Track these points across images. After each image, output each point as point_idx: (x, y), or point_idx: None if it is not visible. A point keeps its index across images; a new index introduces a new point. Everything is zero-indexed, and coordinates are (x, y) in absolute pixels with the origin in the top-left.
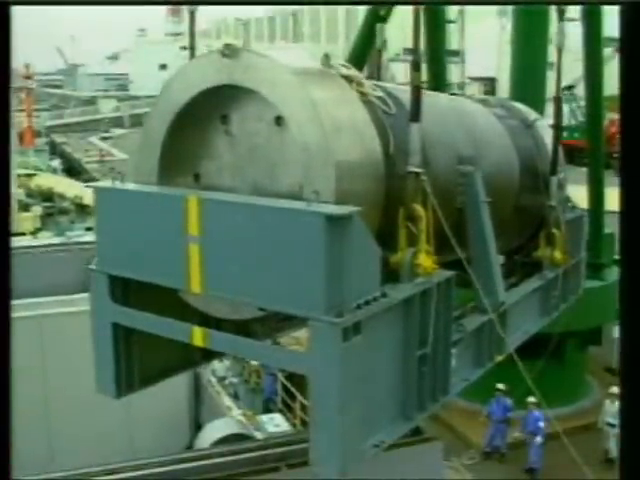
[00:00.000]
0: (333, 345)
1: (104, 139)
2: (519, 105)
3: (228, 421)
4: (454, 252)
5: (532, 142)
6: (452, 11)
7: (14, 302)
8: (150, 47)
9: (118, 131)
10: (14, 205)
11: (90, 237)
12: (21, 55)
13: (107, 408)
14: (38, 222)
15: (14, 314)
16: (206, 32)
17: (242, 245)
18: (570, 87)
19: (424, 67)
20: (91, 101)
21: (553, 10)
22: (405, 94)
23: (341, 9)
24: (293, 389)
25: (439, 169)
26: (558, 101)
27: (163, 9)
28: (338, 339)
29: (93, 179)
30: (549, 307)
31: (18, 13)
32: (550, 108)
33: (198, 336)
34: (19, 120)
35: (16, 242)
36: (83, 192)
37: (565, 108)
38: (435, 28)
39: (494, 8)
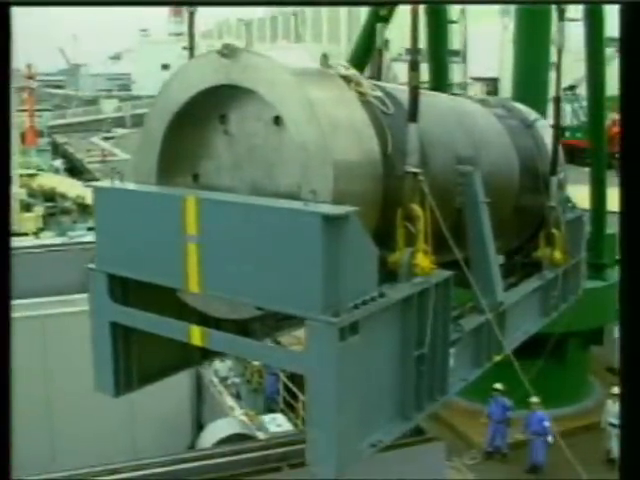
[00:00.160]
0: (330, 345)
1: (106, 139)
2: (519, 105)
3: (230, 421)
4: (453, 252)
5: (532, 142)
6: (454, 11)
7: (16, 302)
8: (152, 47)
9: (120, 131)
10: (16, 205)
11: (92, 237)
12: (23, 55)
13: (109, 408)
14: (40, 222)
15: (16, 314)
16: (208, 33)
17: (240, 245)
18: (572, 87)
19: (425, 67)
20: (93, 101)
21: (555, 10)
22: (404, 94)
23: (343, 10)
24: (295, 389)
25: (438, 169)
26: (558, 101)
27: (165, 9)
28: (335, 339)
29: (95, 179)
30: (549, 307)
31: (20, 13)
32: (551, 108)
33: (196, 335)
34: (21, 120)
35: (18, 242)
36: (85, 192)
37: (568, 108)
38: (437, 28)
39: (496, 8)
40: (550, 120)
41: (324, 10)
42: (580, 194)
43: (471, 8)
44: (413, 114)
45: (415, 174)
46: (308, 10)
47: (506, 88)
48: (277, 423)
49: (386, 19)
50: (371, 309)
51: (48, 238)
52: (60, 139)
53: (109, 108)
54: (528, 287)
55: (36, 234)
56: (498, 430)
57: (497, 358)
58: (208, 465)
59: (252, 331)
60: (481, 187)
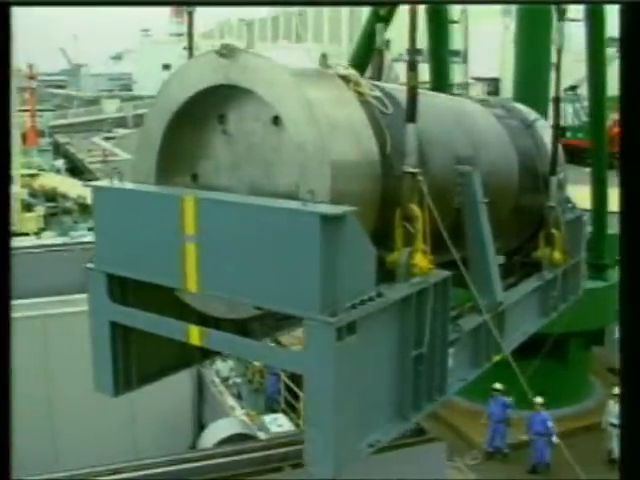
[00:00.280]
0: (327, 344)
1: (107, 139)
2: (519, 105)
3: (231, 421)
4: (452, 252)
5: (532, 142)
6: (455, 11)
7: (17, 302)
8: (153, 47)
9: (121, 131)
10: (18, 205)
11: (93, 237)
12: (25, 55)
13: (110, 408)
14: (41, 222)
15: (17, 314)
16: (210, 33)
17: (238, 244)
18: (574, 87)
19: (427, 67)
20: (94, 101)
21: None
22: (404, 94)
23: (344, 10)
24: (296, 389)
25: (436, 169)
26: (557, 101)
27: (167, 9)
28: (332, 338)
29: (97, 179)
30: (548, 307)
31: (22, 14)
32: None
33: (195, 335)
34: (23, 120)
35: (19, 242)
36: (86, 192)
37: (569, 108)
38: (438, 28)
39: (498, 8)
40: (552, 120)
41: (325, 10)
42: (581, 194)
43: (472, 8)
44: (411, 114)
45: (414, 174)
46: (310, 10)
47: (507, 88)
48: (278, 423)
49: (386, 19)
50: (369, 309)
51: (49, 238)
52: (61, 139)
53: (110, 108)
54: (527, 287)
55: (37, 234)
56: (498, 430)
57: (496, 358)
58: (209, 465)
59: (251, 331)
60: (480, 187)
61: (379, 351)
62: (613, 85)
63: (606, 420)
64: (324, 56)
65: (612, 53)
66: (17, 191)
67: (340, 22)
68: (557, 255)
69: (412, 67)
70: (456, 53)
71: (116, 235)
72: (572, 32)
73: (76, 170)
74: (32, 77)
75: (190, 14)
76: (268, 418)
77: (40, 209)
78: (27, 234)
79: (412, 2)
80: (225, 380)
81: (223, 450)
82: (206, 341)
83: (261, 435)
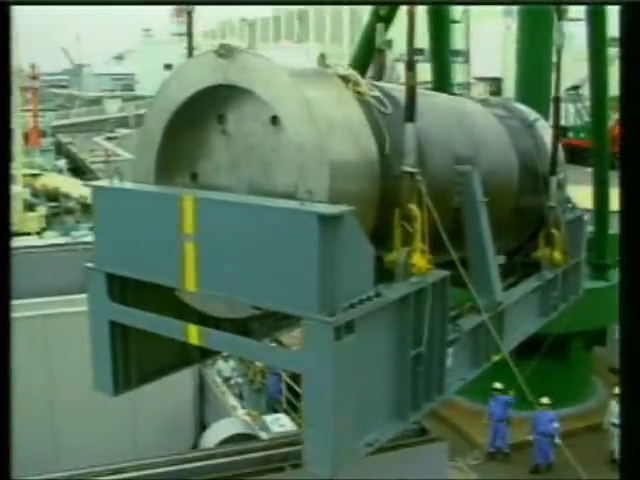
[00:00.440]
0: (325, 344)
1: (109, 139)
2: (520, 105)
3: (233, 421)
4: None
5: (532, 142)
6: (457, 11)
7: (18, 302)
8: (155, 47)
9: (123, 131)
10: (20, 205)
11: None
12: (27, 55)
13: (112, 408)
14: (43, 222)
15: (18, 314)
16: (211, 33)
17: (236, 244)
18: (576, 87)
19: (429, 67)
20: (97, 101)
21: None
22: (403, 94)
23: (346, 9)
24: (298, 388)
25: (436, 169)
26: (557, 101)
27: (168, 9)
28: (330, 338)
29: (99, 179)
30: (548, 307)
31: (24, 14)
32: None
33: (193, 334)
34: (25, 120)
35: (21, 242)
36: (88, 192)
37: (571, 108)
38: (439, 28)
39: (499, 8)
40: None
41: (327, 10)
42: (584, 194)
43: (474, 8)
44: (410, 114)
45: (412, 174)
46: (311, 10)
47: (509, 88)
48: (280, 423)
49: (387, 19)
50: (367, 308)
51: (51, 238)
52: (64, 139)
53: (112, 108)
54: (527, 287)
55: (39, 234)
56: (499, 429)
57: (496, 358)
58: (211, 465)
59: (251, 331)
60: (480, 187)
61: (377, 351)
62: (615, 85)
63: (608, 420)
64: (323, 56)
65: (614, 53)
66: (19, 191)
67: (342, 22)
68: (557, 255)
69: (411, 67)
70: (458, 53)
71: (116, 235)
72: (574, 32)
73: (78, 170)
74: (34, 77)
75: (189, 14)
76: (270, 418)
77: (42, 209)
78: (29, 234)
79: (412, 2)
80: (227, 380)
81: (225, 450)
82: (205, 340)
83: (263, 435)
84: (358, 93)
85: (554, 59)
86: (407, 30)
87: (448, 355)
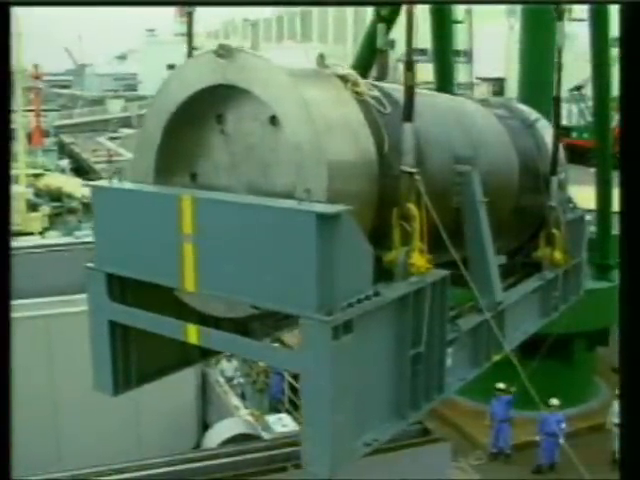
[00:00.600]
0: (323, 343)
1: (112, 139)
2: (520, 105)
3: (236, 421)
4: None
5: (532, 142)
6: (460, 11)
7: (21, 302)
8: (158, 47)
9: (126, 131)
10: (22, 205)
11: None
12: (30, 55)
13: (114, 408)
14: (46, 222)
15: (21, 314)
16: (214, 33)
17: (235, 244)
18: (579, 87)
19: (429, 67)
20: (99, 101)
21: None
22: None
23: (349, 10)
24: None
25: (435, 168)
26: (557, 101)
27: (171, 9)
28: (328, 337)
29: (101, 179)
30: (549, 307)
31: (26, 14)
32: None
33: (193, 334)
34: (28, 120)
35: (23, 242)
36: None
37: (574, 109)
38: (442, 28)
39: (503, 8)
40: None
41: (330, 10)
42: (587, 195)
43: (477, 8)
44: (408, 114)
45: (411, 173)
46: (315, 11)
47: (512, 88)
48: (282, 423)
49: (390, 19)
50: (365, 308)
51: (54, 238)
52: (66, 139)
53: (115, 108)
54: (528, 287)
55: (42, 234)
56: (501, 430)
57: (496, 358)
58: (213, 465)
59: (252, 331)
60: (479, 187)
61: (376, 350)
62: (617, 85)
63: (610, 420)
64: (322, 56)
65: (616, 53)
66: (22, 191)
67: (345, 22)
68: (558, 255)
69: (409, 67)
70: (462, 53)
71: (115, 235)
72: (577, 32)
73: (81, 170)
74: (37, 77)
75: (190, 14)
76: (272, 418)
77: (45, 209)
78: (32, 234)
79: (413, 2)
80: (229, 380)
81: (227, 450)
82: (204, 340)
83: (265, 435)
84: (357, 93)
85: (561, 59)
86: (406, 30)
87: (448, 355)
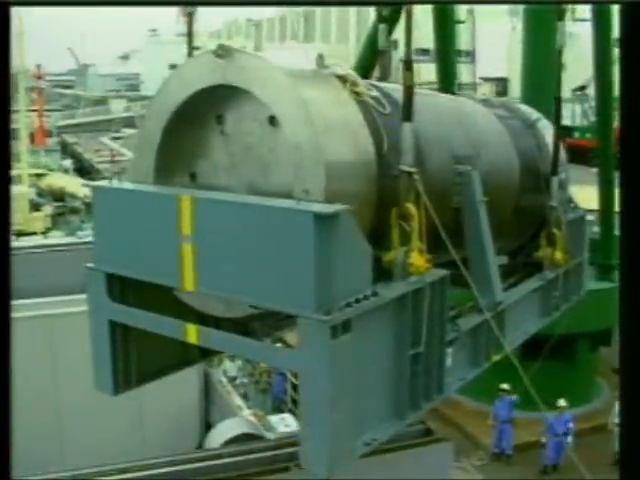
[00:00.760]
0: (322, 343)
1: (115, 139)
2: (521, 105)
3: (238, 421)
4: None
5: (533, 142)
6: (462, 11)
7: (23, 302)
8: (160, 47)
9: (129, 131)
10: (25, 205)
11: None
12: (33, 55)
13: (117, 408)
14: (49, 222)
15: (24, 314)
16: (217, 33)
17: (234, 243)
18: (582, 87)
19: (432, 67)
20: (102, 101)
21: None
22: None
23: (352, 10)
24: None
25: (434, 168)
26: (558, 101)
27: (174, 10)
28: (326, 337)
29: (104, 179)
30: (550, 307)
31: (29, 14)
32: (562, 109)
33: (192, 334)
34: (30, 120)
35: (26, 242)
36: None
37: (577, 109)
38: (444, 28)
39: (505, 8)
40: (562, 121)
41: (333, 11)
42: (589, 195)
43: (480, 8)
44: (407, 113)
45: (410, 173)
46: (317, 11)
47: (516, 88)
48: (285, 423)
49: (391, 20)
50: (364, 307)
51: (57, 238)
52: (69, 139)
53: (118, 108)
54: (528, 287)
55: (44, 234)
56: (504, 431)
57: (496, 358)
58: (216, 465)
59: (252, 331)
60: (479, 186)
61: (375, 350)
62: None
63: (612, 421)
64: (321, 56)
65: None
66: (25, 191)
67: (348, 23)
68: (558, 255)
69: (408, 67)
70: (465, 53)
71: (115, 235)
72: (580, 32)
73: (84, 170)
74: (40, 77)
75: (190, 15)
76: (275, 418)
77: (47, 209)
78: (35, 233)
79: (414, 3)
80: (232, 380)
81: (230, 450)
82: (203, 340)
83: (268, 435)
84: (356, 93)
85: (561, 59)
86: (405, 30)
87: (447, 355)
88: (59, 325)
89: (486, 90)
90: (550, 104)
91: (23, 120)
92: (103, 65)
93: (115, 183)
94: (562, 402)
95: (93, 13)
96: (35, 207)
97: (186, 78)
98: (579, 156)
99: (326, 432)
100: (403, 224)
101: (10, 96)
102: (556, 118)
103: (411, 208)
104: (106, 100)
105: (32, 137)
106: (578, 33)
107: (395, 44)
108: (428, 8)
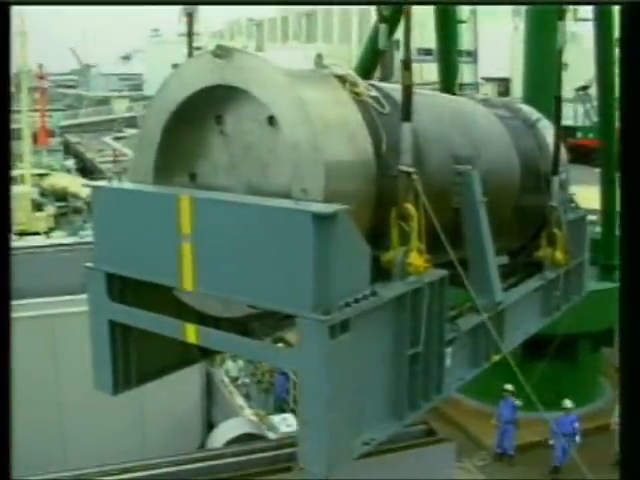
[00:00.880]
0: (320, 342)
1: (117, 139)
2: (522, 105)
3: (240, 421)
4: (453, 252)
5: (534, 142)
6: (464, 11)
7: (25, 302)
8: (162, 47)
9: (131, 131)
10: (28, 205)
11: None
12: (35, 55)
13: (119, 408)
14: (52, 222)
15: (26, 314)
16: (219, 33)
17: (232, 243)
18: (585, 87)
19: (435, 67)
20: (105, 101)
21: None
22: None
23: (354, 10)
24: None
25: (434, 168)
26: (559, 101)
27: (176, 9)
28: (325, 336)
29: (106, 179)
30: (550, 307)
31: (31, 14)
32: (564, 109)
33: (191, 333)
34: (33, 120)
35: (29, 242)
36: None
37: (580, 109)
38: (446, 28)
39: (508, 8)
40: (565, 121)
41: (336, 11)
42: (592, 195)
43: (482, 8)
44: (406, 113)
45: (408, 173)
46: (319, 10)
47: (518, 88)
48: (287, 423)
49: (393, 20)
50: (363, 307)
51: (59, 238)
52: (72, 139)
53: (120, 108)
54: (528, 287)
55: (47, 233)
56: (506, 431)
57: (495, 358)
58: (218, 465)
59: (252, 330)
60: (479, 187)
61: (374, 350)
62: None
63: (615, 421)
64: (320, 56)
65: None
66: (27, 190)
67: (350, 22)
68: (559, 255)
69: (407, 67)
70: (467, 53)
71: (115, 234)
72: (583, 32)
73: (86, 170)
74: (42, 77)
75: (190, 15)
76: (277, 418)
77: (50, 209)
78: (38, 233)
79: (415, 3)
80: (234, 380)
81: (232, 450)
82: (203, 340)
83: (270, 435)
84: (355, 93)
85: (562, 59)
86: (404, 30)
87: (447, 355)
88: (61, 325)
89: (488, 90)
90: (552, 104)
91: (26, 120)
92: (105, 65)
93: (114, 183)
94: (568, 403)
95: (95, 13)
96: (38, 207)
97: (185, 78)
98: (582, 156)
99: (324, 432)
100: (402, 224)
101: (10, 96)
102: (556, 118)
103: (410, 208)
104: (108, 100)
105: (35, 137)
106: (581, 33)
107: (397, 44)
108: (432, 9)
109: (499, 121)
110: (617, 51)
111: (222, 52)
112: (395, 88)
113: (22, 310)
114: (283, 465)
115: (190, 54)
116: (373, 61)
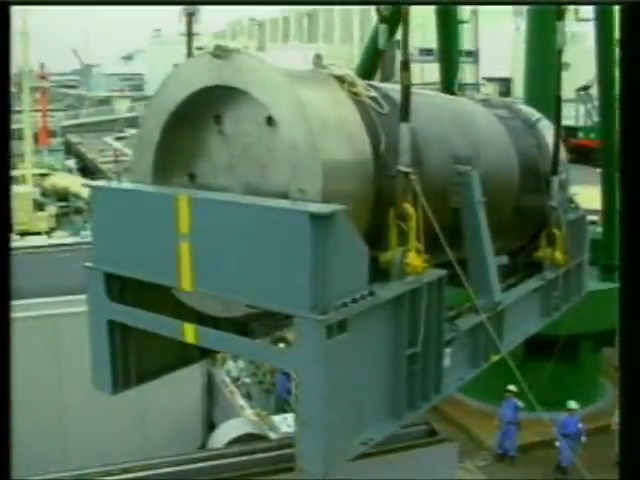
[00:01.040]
0: (317, 342)
1: (119, 139)
2: (522, 106)
3: (241, 421)
4: (452, 252)
5: (534, 142)
6: (465, 11)
7: (27, 302)
8: (164, 47)
9: (132, 131)
10: (29, 205)
11: None
12: (36, 55)
13: (120, 408)
14: (53, 222)
15: (28, 314)
16: (221, 33)
17: (230, 243)
18: (586, 87)
19: (436, 67)
20: (106, 101)
21: (568, 10)
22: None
23: (356, 10)
24: None
25: (433, 168)
26: (559, 101)
27: (177, 10)
28: (322, 336)
29: (108, 179)
30: (550, 307)
31: (32, 14)
32: (565, 109)
33: (190, 333)
34: (34, 120)
35: (30, 242)
36: None
37: (581, 109)
38: (447, 28)
39: (509, 8)
40: (566, 120)
41: (337, 11)
42: (593, 195)
43: (483, 8)
44: (405, 113)
45: (407, 173)
46: (320, 10)
47: (519, 89)
48: (288, 423)
49: (393, 20)
50: (361, 307)
51: (61, 238)
52: (73, 139)
53: (122, 108)
54: (528, 287)
55: (48, 233)
56: (508, 432)
57: (495, 358)
58: (219, 465)
59: (251, 330)
60: (478, 187)
61: (372, 349)
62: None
63: (616, 422)
64: (318, 57)
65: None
66: (29, 190)
67: (351, 23)
68: (559, 255)
69: (405, 67)
70: (468, 53)
71: (114, 234)
72: (584, 32)
73: (88, 170)
74: (43, 77)
75: (190, 15)
76: (278, 418)
77: (51, 209)
78: (39, 233)
79: (415, 3)
80: (235, 380)
81: (233, 450)
82: (201, 339)
83: (271, 435)
84: (354, 94)
85: (563, 59)
86: (402, 31)
87: (446, 355)
88: (62, 325)
89: (489, 90)
90: (552, 104)
91: (27, 120)
92: (107, 65)
93: (113, 183)
94: (573, 404)
95: (97, 13)
96: (39, 207)
97: (184, 78)
98: (583, 156)
99: (321, 431)
100: (401, 224)
101: (11, 96)
102: (556, 118)
103: (408, 208)
104: (110, 100)
105: (36, 137)
106: (582, 33)
107: (398, 44)
108: (433, 9)
109: (499, 121)
110: (618, 51)
111: (221, 52)
112: (394, 88)
113: (22, 310)
114: (284, 465)
115: (189, 54)
116: (374, 61)
